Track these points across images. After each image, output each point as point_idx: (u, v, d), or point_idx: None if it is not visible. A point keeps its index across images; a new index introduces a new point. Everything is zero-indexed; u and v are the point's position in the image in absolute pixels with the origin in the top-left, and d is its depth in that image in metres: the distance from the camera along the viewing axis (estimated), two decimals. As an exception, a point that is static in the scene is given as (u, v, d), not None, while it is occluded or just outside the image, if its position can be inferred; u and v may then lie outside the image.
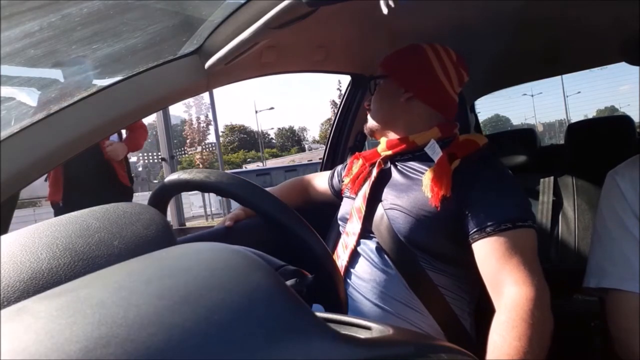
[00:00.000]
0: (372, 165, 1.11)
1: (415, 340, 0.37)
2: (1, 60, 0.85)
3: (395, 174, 1.04)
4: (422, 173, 0.98)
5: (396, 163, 1.05)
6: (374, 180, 1.04)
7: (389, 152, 1.05)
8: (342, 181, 1.21)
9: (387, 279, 0.94)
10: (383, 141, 1.08)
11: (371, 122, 1.10)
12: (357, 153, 1.18)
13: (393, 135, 1.06)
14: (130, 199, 2.70)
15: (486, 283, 0.86)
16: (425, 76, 1.03)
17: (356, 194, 1.09)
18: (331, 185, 1.31)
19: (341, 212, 1.13)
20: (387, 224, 0.96)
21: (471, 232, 0.89)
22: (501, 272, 0.83)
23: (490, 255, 0.85)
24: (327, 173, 1.35)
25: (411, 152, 1.03)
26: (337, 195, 1.27)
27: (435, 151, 0.98)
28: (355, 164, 1.15)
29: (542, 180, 1.84)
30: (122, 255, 0.35)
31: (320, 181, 1.36)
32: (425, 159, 1.00)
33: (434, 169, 0.94)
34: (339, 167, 1.32)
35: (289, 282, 0.67)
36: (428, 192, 0.93)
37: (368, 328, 0.36)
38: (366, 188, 1.05)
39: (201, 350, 0.22)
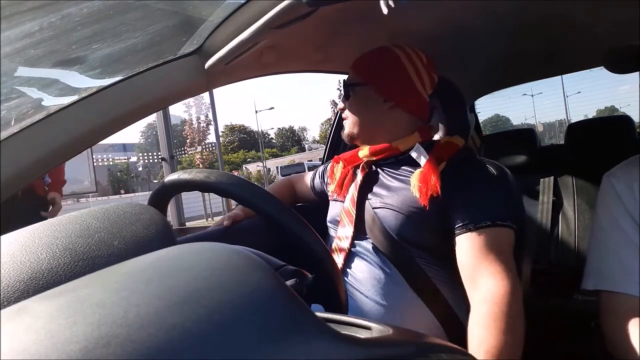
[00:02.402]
0: (355, 167, 1.13)
1: (415, 340, 0.37)
2: (1, 60, 0.85)
3: (381, 177, 1.05)
4: (408, 176, 1.00)
5: (380, 167, 1.07)
6: (360, 183, 1.06)
7: (373, 158, 1.07)
8: (327, 184, 1.23)
9: (385, 276, 0.95)
10: (365, 148, 1.08)
11: (351, 130, 1.10)
12: (336, 156, 1.20)
13: (375, 142, 1.07)
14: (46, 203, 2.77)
15: (463, 276, 0.89)
16: (403, 84, 1.04)
17: (344, 197, 1.10)
18: (312, 187, 1.34)
19: (330, 215, 1.14)
20: (379, 225, 0.98)
21: (454, 228, 0.92)
22: (478, 266, 0.86)
23: (469, 249, 0.88)
24: (310, 174, 1.38)
25: (394, 157, 1.05)
26: (318, 196, 1.31)
27: (421, 154, 1.00)
28: (337, 168, 1.17)
29: (542, 180, 1.84)
30: (122, 255, 0.35)
31: (304, 182, 1.38)
32: (409, 163, 1.02)
33: (423, 171, 0.96)
34: (320, 169, 1.34)
35: (289, 282, 0.67)
36: (416, 192, 0.95)
37: (368, 328, 0.36)
38: (353, 191, 1.06)
39: (201, 351, 0.22)
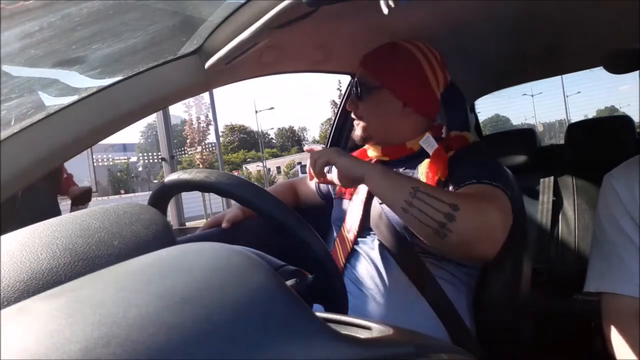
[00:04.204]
0: None
1: (415, 340, 0.37)
2: (1, 60, 0.85)
3: None
4: (415, 171, 1.01)
5: (389, 165, 1.06)
6: None
7: (386, 159, 1.07)
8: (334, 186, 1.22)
9: (388, 274, 0.95)
10: (377, 148, 1.08)
11: (365, 132, 1.08)
12: None
13: (389, 143, 1.07)
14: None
15: None
16: (422, 88, 1.04)
17: (350, 195, 1.10)
18: (318, 188, 1.33)
19: (336, 213, 1.14)
20: (385, 220, 0.98)
21: None
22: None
23: None
24: None
25: (406, 156, 1.06)
26: (324, 198, 1.30)
27: (430, 144, 1.00)
28: None
29: (542, 180, 1.84)
30: (122, 255, 0.35)
31: (308, 185, 1.37)
32: (417, 161, 1.02)
33: (431, 158, 0.97)
34: None
35: (289, 282, 0.67)
36: (423, 178, 0.96)
37: (368, 328, 0.36)
38: (363, 191, 1.06)
39: (201, 351, 0.22)
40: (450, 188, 0.92)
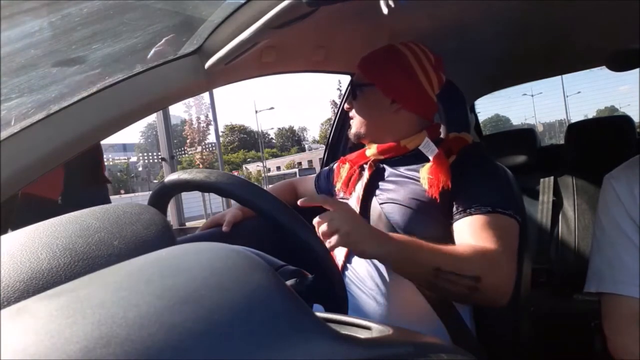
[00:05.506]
0: (360, 167, 1.13)
1: (415, 340, 0.37)
2: (1, 60, 0.85)
3: (388, 174, 1.06)
4: (414, 172, 1.01)
5: (387, 164, 1.08)
6: (367, 181, 1.06)
7: (381, 157, 1.08)
8: (334, 186, 1.23)
9: (388, 274, 0.95)
10: (373, 146, 1.09)
11: (358, 130, 1.11)
12: (342, 158, 1.21)
13: (383, 141, 1.08)
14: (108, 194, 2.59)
15: None
16: (410, 86, 1.04)
17: (350, 194, 1.11)
18: (318, 188, 1.33)
19: None
20: (384, 220, 0.98)
21: (454, 214, 0.93)
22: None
23: (465, 230, 0.89)
24: (313, 177, 1.38)
25: (402, 155, 1.06)
26: None
27: (430, 148, 1.00)
28: (343, 168, 1.18)
29: (542, 180, 1.85)
30: (122, 255, 0.35)
31: (308, 185, 1.38)
32: (416, 159, 1.02)
33: (432, 164, 0.97)
34: (324, 170, 1.35)
35: (289, 282, 0.67)
36: (426, 184, 0.96)
37: (368, 328, 0.36)
38: (359, 189, 1.07)
39: (201, 351, 0.22)
40: (460, 208, 0.92)
